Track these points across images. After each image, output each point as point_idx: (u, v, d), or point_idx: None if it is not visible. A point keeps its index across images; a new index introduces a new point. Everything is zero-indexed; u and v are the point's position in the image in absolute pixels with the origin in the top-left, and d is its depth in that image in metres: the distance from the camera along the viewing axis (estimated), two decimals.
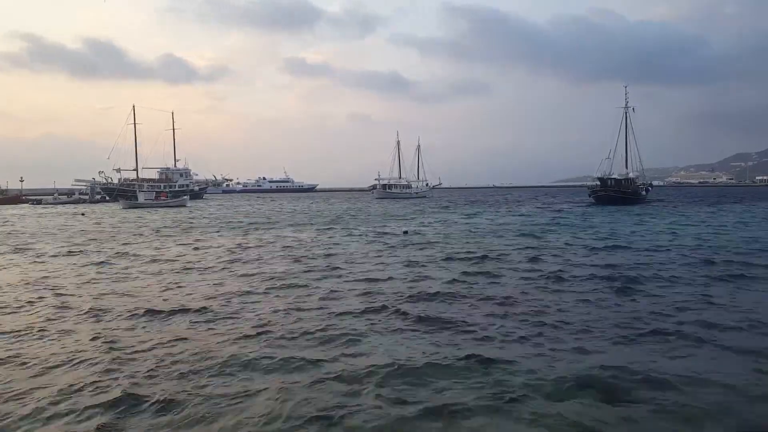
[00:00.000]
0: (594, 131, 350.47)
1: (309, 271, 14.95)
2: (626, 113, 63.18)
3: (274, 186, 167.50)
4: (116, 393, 6.21)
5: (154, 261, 17.52)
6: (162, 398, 6.07)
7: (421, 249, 19.95)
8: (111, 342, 8.21)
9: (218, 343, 8.16)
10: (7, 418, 5.69)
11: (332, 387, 6.38)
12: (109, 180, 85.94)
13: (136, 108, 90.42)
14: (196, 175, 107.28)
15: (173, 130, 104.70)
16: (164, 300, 11.37)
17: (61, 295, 11.99)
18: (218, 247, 21.56)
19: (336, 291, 12.02)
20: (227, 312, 10.15)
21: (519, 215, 42.40)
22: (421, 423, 5.48)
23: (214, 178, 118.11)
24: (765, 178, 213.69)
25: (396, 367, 6.95)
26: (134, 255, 19.03)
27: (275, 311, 10.12)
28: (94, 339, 8.42)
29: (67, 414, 5.75)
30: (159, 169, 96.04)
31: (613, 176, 58.22)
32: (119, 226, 34.93)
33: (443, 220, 37.68)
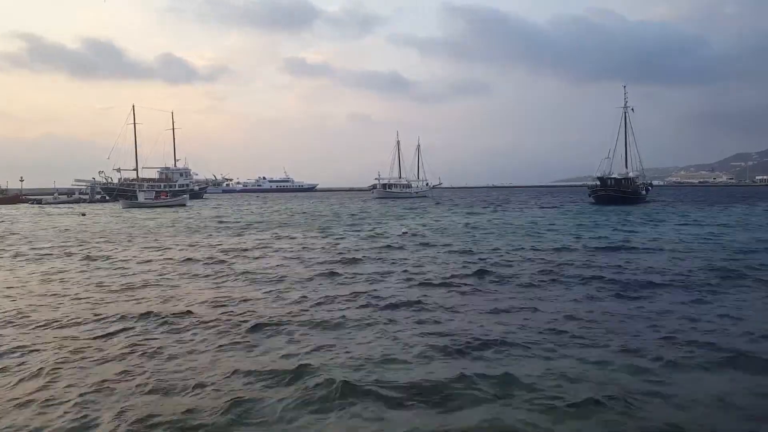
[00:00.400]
0: (594, 131, 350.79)
1: (308, 269, 14.93)
2: (625, 113, 63.32)
3: (274, 186, 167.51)
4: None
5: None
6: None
7: (420, 249, 19.92)
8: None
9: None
10: None
11: None
12: (109, 180, 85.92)
13: (136, 108, 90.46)
14: (196, 174, 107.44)
15: (173, 130, 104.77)
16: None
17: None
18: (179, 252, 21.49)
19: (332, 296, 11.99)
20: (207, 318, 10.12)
21: (519, 216, 42.32)
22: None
23: (214, 178, 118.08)
24: (765, 178, 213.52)
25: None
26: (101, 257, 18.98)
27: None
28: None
29: None
30: (159, 169, 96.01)
31: (612, 176, 58.18)
32: (111, 227, 34.85)
33: (443, 218, 37.65)
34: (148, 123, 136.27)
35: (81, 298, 11.62)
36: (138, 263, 17.05)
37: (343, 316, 9.71)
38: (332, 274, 14.42)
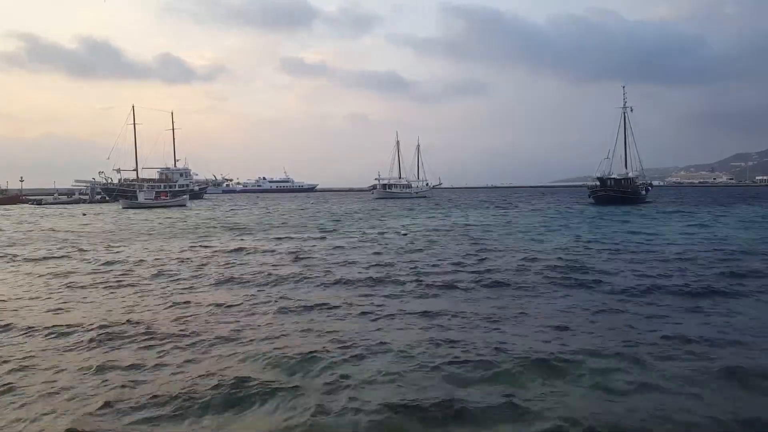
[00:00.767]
0: (594, 131, 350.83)
1: (306, 271, 14.92)
2: (624, 113, 63.24)
3: (274, 186, 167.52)
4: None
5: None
6: None
7: (420, 249, 19.90)
8: None
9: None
10: None
11: None
12: (109, 180, 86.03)
13: (135, 108, 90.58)
14: (196, 175, 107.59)
15: (173, 130, 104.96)
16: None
17: None
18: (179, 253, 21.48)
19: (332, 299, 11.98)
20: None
21: (519, 216, 42.31)
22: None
23: (214, 178, 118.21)
24: (765, 178, 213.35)
25: None
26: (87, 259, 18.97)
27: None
28: None
29: None
30: (159, 169, 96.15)
31: (612, 176, 58.13)
32: (108, 227, 34.83)
33: (443, 218, 37.64)
34: (148, 123, 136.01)
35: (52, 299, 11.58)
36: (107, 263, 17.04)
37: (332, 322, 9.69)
38: (329, 273, 14.44)
